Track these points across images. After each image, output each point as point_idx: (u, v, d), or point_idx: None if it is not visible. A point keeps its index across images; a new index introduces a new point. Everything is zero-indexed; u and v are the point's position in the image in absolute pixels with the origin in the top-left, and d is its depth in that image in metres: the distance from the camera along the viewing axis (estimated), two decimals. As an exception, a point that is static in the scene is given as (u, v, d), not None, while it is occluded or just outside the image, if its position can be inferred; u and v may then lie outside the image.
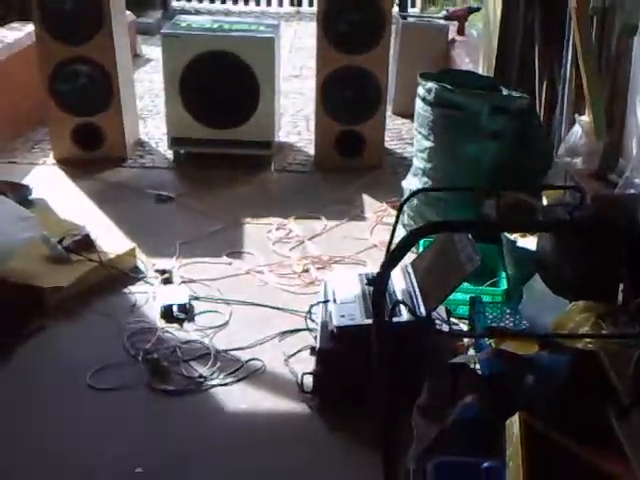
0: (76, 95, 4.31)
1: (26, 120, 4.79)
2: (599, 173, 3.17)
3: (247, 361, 2.72)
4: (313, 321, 2.90)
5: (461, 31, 5.78)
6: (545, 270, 2.65)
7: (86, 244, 3.25)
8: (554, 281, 2.60)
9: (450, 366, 2.43)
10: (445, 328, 2.70)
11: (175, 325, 2.92)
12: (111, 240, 3.42)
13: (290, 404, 2.51)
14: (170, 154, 4.53)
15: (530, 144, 3.40)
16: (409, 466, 2.12)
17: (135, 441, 2.36)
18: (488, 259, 2.90)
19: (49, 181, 4.17)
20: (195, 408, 2.50)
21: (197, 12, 8.89)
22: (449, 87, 3.38)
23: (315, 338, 2.72)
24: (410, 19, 5.85)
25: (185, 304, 3.00)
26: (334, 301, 2.69)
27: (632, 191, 2.82)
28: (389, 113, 5.04)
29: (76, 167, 4.30)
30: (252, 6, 9.47)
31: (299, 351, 2.77)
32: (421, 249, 3.10)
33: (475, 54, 4.89)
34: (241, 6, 9.45)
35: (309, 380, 2.56)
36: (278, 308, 3.06)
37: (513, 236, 3.05)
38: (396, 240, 2.46)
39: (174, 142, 4.47)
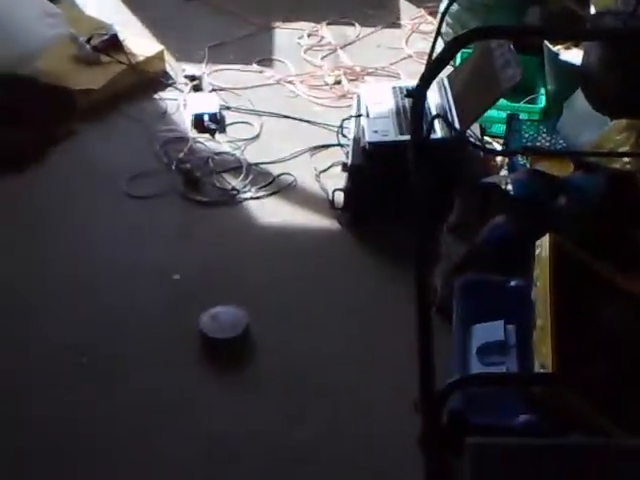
0: None
1: None
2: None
3: (278, 175, 2.75)
4: (345, 136, 2.88)
5: None
6: (589, 84, 2.54)
7: (114, 44, 3.17)
8: (597, 96, 2.50)
9: (481, 185, 2.45)
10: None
11: (206, 135, 2.92)
12: (139, 41, 3.32)
13: (321, 220, 2.58)
14: None
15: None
16: (436, 283, 2.22)
17: (172, 249, 2.46)
18: (528, 73, 2.80)
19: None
20: (229, 220, 2.57)
21: None
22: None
23: (347, 154, 2.73)
24: None
25: (216, 114, 2.98)
26: (367, 115, 2.66)
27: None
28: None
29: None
30: None
31: (330, 167, 2.79)
32: (458, 61, 3.00)
33: None
34: None
35: (340, 196, 2.60)
36: (309, 121, 3.03)
37: (556, 48, 2.92)
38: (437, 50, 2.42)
39: None
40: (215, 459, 1.93)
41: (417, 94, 1.78)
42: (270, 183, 2.72)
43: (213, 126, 2.95)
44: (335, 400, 2.05)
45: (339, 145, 2.88)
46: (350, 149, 2.66)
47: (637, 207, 2.07)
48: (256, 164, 2.80)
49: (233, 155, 2.84)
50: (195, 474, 1.91)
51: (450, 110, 2.60)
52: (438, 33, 2.50)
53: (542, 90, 2.99)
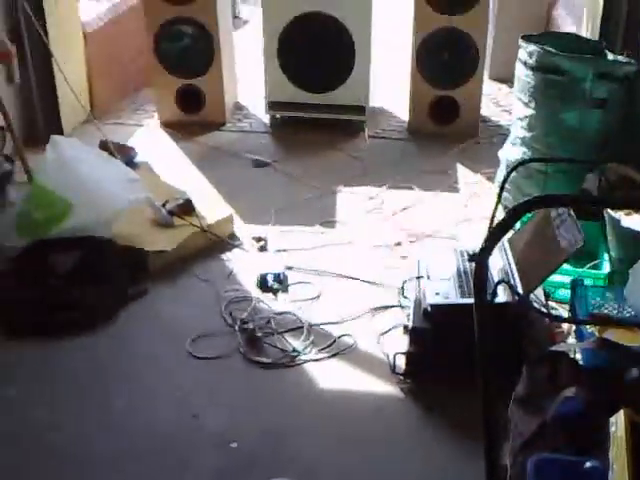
0: (179, 56, 4.23)
1: (133, 81, 4.75)
2: None
3: (339, 337, 2.62)
4: (406, 297, 2.76)
5: (562, -7, 5.37)
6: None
7: (188, 209, 3.20)
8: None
9: (549, 354, 2.26)
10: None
11: (270, 295, 2.84)
12: (210, 205, 3.35)
13: (382, 385, 2.40)
14: (267, 118, 4.42)
15: (638, 113, 3.11)
16: (505, 460, 1.99)
17: (231, 413, 2.30)
18: (589, 238, 2.67)
19: (152, 143, 4.12)
20: (288, 382, 2.42)
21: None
22: (552, 50, 3.12)
23: (408, 316, 2.59)
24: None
25: (279, 274, 2.91)
26: (428, 277, 2.54)
27: None
28: (485, 77, 4.76)
29: (178, 129, 4.24)
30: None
31: (391, 329, 2.65)
32: (518, 225, 2.89)
33: (578, 16, 4.52)
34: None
35: (401, 360, 2.43)
36: (370, 282, 2.93)
37: (617, 214, 2.80)
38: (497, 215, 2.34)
39: (271, 106, 4.35)
40: None
41: (480, 259, 1.67)
42: (331, 345, 2.59)
43: (276, 286, 2.87)
44: None
45: (400, 306, 2.76)
46: (411, 311, 2.53)
47: None
48: (317, 325, 2.68)
49: (295, 315, 2.73)
50: None
51: (512, 273, 2.47)
52: (498, 200, 2.43)
53: (605, 255, 2.84)
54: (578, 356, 2.24)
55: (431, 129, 4.25)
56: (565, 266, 2.63)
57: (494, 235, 1.63)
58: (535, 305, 2.47)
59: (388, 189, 3.67)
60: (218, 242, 3.15)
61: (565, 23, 4.75)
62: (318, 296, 2.86)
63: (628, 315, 2.47)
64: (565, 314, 2.64)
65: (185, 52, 4.22)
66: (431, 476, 2.09)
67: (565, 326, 2.52)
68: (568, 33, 4.16)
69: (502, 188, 2.44)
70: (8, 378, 2.42)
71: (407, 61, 4.30)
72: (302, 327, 2.66)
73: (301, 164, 3.90)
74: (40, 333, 2.58)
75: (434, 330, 2.40)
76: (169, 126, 4.29)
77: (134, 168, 3.56)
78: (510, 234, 2.68)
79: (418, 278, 2.63)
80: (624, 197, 2.44)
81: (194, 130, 4.22)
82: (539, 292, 2.53)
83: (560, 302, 2.72)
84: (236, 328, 2.62)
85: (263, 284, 2.88)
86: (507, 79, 4.56)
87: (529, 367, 2.20)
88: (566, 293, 2.68)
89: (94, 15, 4.45)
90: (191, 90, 4.28)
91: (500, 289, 2.39)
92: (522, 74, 3.25)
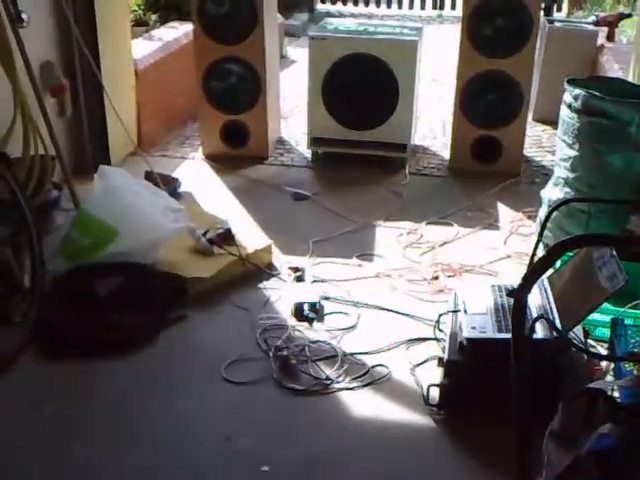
0: (226, 93, 4.34)
1: (179, 116, 4.89)
2: None
3: (373, 367, 2.62)
4: (441, 331, 2.75)
5: (611, 37, 5.40)
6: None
7: (228, 238, 3.26)
8: None
9: (586, 391, 2.23)
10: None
11: (305, 324, 2.86)
12: (250, 235, 3.41)
13: (415, 416, 2.38)
14: (308, 153, 4.49)
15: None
16: (538, 495, 1.95)
17: (262, 438, 2.31)
18: (632, 279, 2.64)
19: (196, 175, 4.22)
20: (321, 410, 2.43)
21: (341, 15, 8.84)
22: (597, 94, 3.13)
23: (443, 349, 2.58)
24: (557, 24, 5.51)
25: (315, 303, 2.94)
26: (464, 311, 2.54)
27: None
28: (529, 119, 4.77)
29: (221, 163, 4.33)
30: (394, 9, 9.32)
31: (426, 361, 2.64)
32: (559, 263, 2.87)
33: (625, 61, 4.53)
34: (384, 9, 9.33)
35: (435, 392, 2.42)
36: (406, 314, 2.94)
37: (660, 256, 2.76)
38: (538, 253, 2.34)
39: (313, 142, 4.43)
40: None
41: (519, 294, 1.68)
42: (364, 374, 2.59)
43: (312, 315, 2.89)
44: None
45: (435, 339, 2.75)
46: (446, 344, 2.52)
47: None
48: (351, 354, 2.69)
49: (329, 344, 2.74)
50: None
51: (551, 311, 2.45)
52: (540, 237, 2.43)
53: (646, 296, 2.79)
54: (616, 394, 2.20)
55: (473, 168, 4.27)
56: (605, 305, 2.60)
57: (535, 271, 1.63)
58: (574, 342, 2.45)
59: (427, 225, 3.68)
60: (256, 271, 3.19)
61: (612, 68, 4.76)
62: (353, 326, 2.87)
63: (669, 354, 2.42)
64: (604, 352, 2.60)
65: (232, 89, 4.33)
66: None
67: (604, 364, 2.49)
68: (614, 78, 4.18)
69: (544, 226, 2.45)
70: (47, 397, 2.47)
71: (451, 100, 4.34)
72: (336, 356, 2.67)
73: (340, 198, 3.95)
74: (80, 354, 2.64)
75: (469, 363, 2.39)
76: (213, 159, 4.40)
77: (177, 198, 3.65)
78: (550, 272, 2.67)
79: (454, 312, 2.63)
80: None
81: (237, 163, 4.31)
82: (578, 330, 2.50)
83: (599, 340, 2.68)
84: (270, 355, 2.65)
85: (299, 313, 2.90)
86: (551, 121, 4.56)
87: (566, 403, 2.16)
88: (605, 332, 2.65)
89: (146, 53, 4.61)
90: (236, 125, 4.38)
91: (539, 326, 2.37)
92: (567, 116, 3.27)
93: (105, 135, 4.04)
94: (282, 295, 3.05)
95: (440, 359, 2.55)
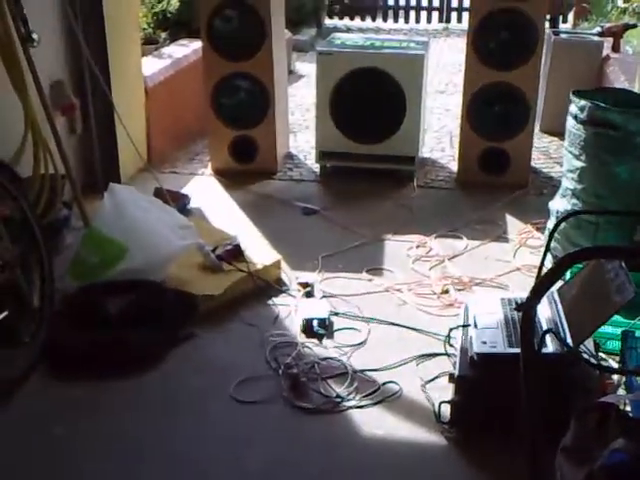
0: (235, 109, 4.32)
1: (188, 132, 4.87)
2: None
3: (384, 384, 2.56)
4: (452, 346, 2.69)
5: (616, 48, 5.35)
6: None
7: (237, 254, 3.23)
8: None
9: (598, 405, 2.18)
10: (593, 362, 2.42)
11: (314, 340, 2.81)
12: (259, 250, 3.37)
13: (426, 434, 2.33)
14: (317, 167, 4.46)
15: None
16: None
17: (273, 458, 2.27)
18: (641, 290, 2.59)
19: (205, 191, 4.19)
20: (331, 429, 2.37)
21: (349, 30, 8.84)
22: (603, 105, 3.09)
23: (454, 364, 2.53)
24: (562, 35, 5.48)
25: (325, 319, 2.89)
26: (475, 326, 2.49)
27: None
28: (536, 130, 4.72)
29: (230, 178, 4.30)
30: (402, 23, 9.31)
31: (437, 377, 2.58)
32: (568, 275, 2.83)
33: (631, 72, 4.48)
34: (391, 23, 9.32)
35: (447, 409, 2.37)
36: (416, 329, 2.88)
37: (668, 266, 2.71)
38: (545, 267, 2.30)
39: (322, 156, 4.40)
40: None
41: (527, 308, 1.64)
42: (375, 392, 2.53)
43: (321, 331, 2.84)
44: None
45: (446, 355, 2.70)
46: (457, 359, 2.46)
47: None
48: (362, 371, 2.64)
49: (339, 361, 2.69)
50: None
51: (561, 324, 2.39)
52: (547, 249, 2.38)
53: (657, 307, 2.73)
54: (628, 408, 2.15)
55: (481, 180, 4.22)
56: (616, 317, 2.54)
57: (542, 284, 1.60)
58: (585, 356, 2.39)
59: (436, 238, 3.64)
60: (265, 287, 3.15)
61: (617, 79, 4.72)
62: (363, 342, 2.82)
63: (683, 369, 2.36)
64: (615, 366, 2.54)
65: (241, 105, 4.31)
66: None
67: (615, 377, 2.43)
68: (619, 88, 4.14)
69: (551, 238, 2.41)
70: (56, 416, 2.43)
71: (458, 112, 4.31)
72: (346, 373, 2.61)
73: (349, 212, 3.91)
74: (90, 373, 2.60)
75: (480, 379, 2.34)
76: (222, 175, 4.37)
77: (187, 214, 3.62)
78: (560, 284, 2.62)
79: (465, 326, 2.58)
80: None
81: (246, 179, 4.28)
82: (589, 343, 2.45)
83: (610, 353, 2.62)
84: (280, 372, 2.60)
85: (308, 329, 2.86)
86: (558, 132, 4.51)
87: (577, 418, 2.11)
88: (616, 344, 2.59)
89: (156, 70, 4.61)
90: (245, 140, 4.36)
91: (549, 340, 2.32)
92: (573, 128, 3.23)
93: (115, 152, 4.02)
94: (291, 311, 3.00)
95: (451, 375, 2.49)
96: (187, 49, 5.08)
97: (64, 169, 3.33)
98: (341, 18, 9.36)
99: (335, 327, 2.90)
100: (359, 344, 2.80)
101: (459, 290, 3.17)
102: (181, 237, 3.10)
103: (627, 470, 1.88)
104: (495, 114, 4.16)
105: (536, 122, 4.48)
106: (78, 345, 2.65)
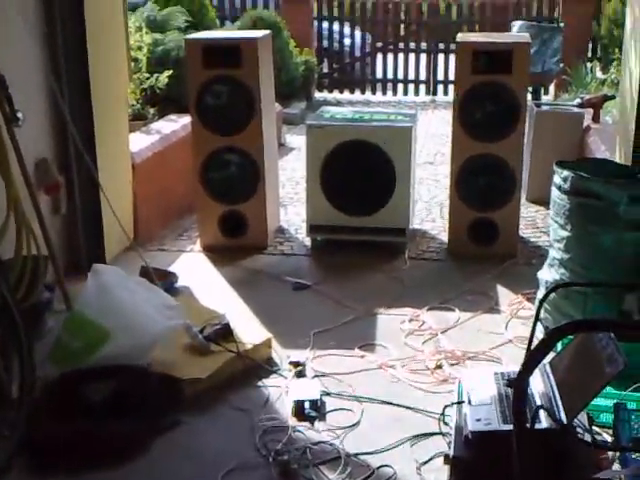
0: (225, 183, 4.30)
1: (177, 208, 4.85)
2: None
3: (378, 467, 2.47)
4: (447, 424, 2.61)
5: (596, 118, 5.45)
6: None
7: (226, 333, 3.15)
8: None
9: (593, 482, 2.11)
10: (587, 438, 2.35)
11: (306, 423, 2.72)
12: (249, 329, 3.30)
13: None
14: (308, 241, 4.44)
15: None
16: None
17: None
18: (633, 360, 2.53)
19: (194, 268, 4.13)
20: (323, 519, 2.28)
21: (338, 102, 8.98)
22: (586, 175, 3.11)
23: (449, 444, 2.44)
24: (544, 107, 5.58)
25: (317, 400, 2.80)
26: (469, 402, 2.41)
27: None
28: (523, 200, 4.73)
29: (220, 254, 4.26)
30: (390, 96, 9.48)
31: (432, 458, 2.49)
32: (560, 347, 2.77)
33: (611, 142, 4.55)
34: (379, 96, 9.48)
35: (443, 494, 2.27)
36: (410, 408, 2.80)
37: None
38: (536, 338, 2.24)
39: (312, 229, 4.38)
40: None
41: (518, 384, 1.60)
42: (369, 477, 2.43)
43: (313, 414, 2.75)
44: None
45: (441, 434, 2.61)
46: (452, 439, 2.38)
47: None
48: (355, 455, 2.54)
49: (332, 445, 2.60)
50: None
51: (554, 398, 2.34)
52: (536, 321, 2.33)
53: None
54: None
55: (471, 250, 4.20)
56: (608, 388, 2.48)
57: (532, 359, 1.57)
58: (579, 430, 2.32)
59: (428, 310, 3.59)
60: (255, 367, 3.07)
61: (598, 149, 4.79)
62: (357, 424, 2.72)
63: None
64: (609, 439, 2.47)
65: (230, 179, 4.31)
66: None
67: (610, 452, 2.35)
68: (601, 159, 4.20)
69: (539, 309, 2.35)
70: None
71: (447, 183, 4.32)
72: (339, 458, 2.52)
73: (341, 286, 3.86)
74: (71, 465, 2.49)
75: (476, 459, 2.26)
76: (211, 251, 4.32)
77: (174, 294, 3.56)
78: (552, 356, 2.56)
79: (459, 403, 2.51)
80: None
81: (236, 254, 4.23)
82: (582, 416, 2.39)
83: (604, 427, 2.56)
84: (270, 460, 2.50)
85: (300, 412, 2.76)
86: (544, 202, 4.53)
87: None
88: (609, 417, 2.53)
89: (143, 146, 4.62)
90: (234, 215, 4.33)
91: (542, 415, 2.26)
92: (557, 198, 3.25)
93: (100, 231, 3.96)
94: (282, 393, 2.91)
95: (446, 455, 2.41)
96: (176, 124, 5.12)
97: (47, 250, 3.28)
98: (330, 91, 9.51)
99: (327, 408, 2.82)
100: (352, 426, 2.71)
101: (453, 365, 3.11)
102: (167, 318, 3.03)
103: None
104: (482, 185, 4.18)
105: (522, 192, 4.51)
106: (59, 436, 2.54)
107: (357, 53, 9.66)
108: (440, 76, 9.34)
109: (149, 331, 2.91)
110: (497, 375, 2.57)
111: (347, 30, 9.69)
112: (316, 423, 2.72)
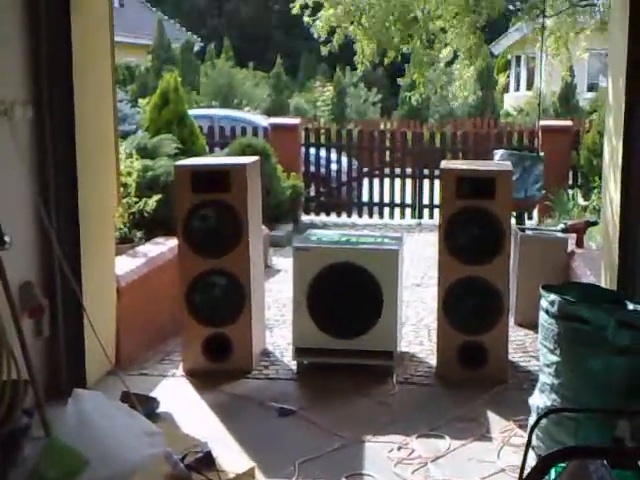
0: (210, 306, 4.31)
1: (160, 331, 4.82)
2: None
3: None
4: None
5: (580, 244, 5.61)
6: None
7: (207, 462, 3.07)
8: None
9: None
10: None
11: None
12: (231, 457, 3.21)
13: None
14: (294, 364, 4.40)
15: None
16: None
17: None
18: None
19: (176, 393, 4.07)
20: None
21: (325, 225, 9.15)
22: (572, 300, 3.16)
23: None
24: (528, 231, 5.73)
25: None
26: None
27: None
28: (511, 324, 4.76)
29: (203, 379, 4.20)
30: (376, 219, 9.69)
31: None
32: (552, 475, 2.70)
33: (596, 267, 4.65)
34: (366, 219, 9.69)
35: None
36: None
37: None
38: (528, 466, 2.18)
39: (298, 352, 4.35)
40: None
41: None
42: None
43: None
44: None
45: None
46: None
47: None
48: None
49: None
50: None
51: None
52: (527, 449, 2.30)
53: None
54: None
55: (460, 374, 4.18)
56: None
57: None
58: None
59: (418, 438, 3.52)
60: None
61: (584, 274, 4.90)
62: None
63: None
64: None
65: (216, 302, 4.32)
66: None
67: None
68: (587, 283, 4.27)
69: (531, 436, 2.33)
70: None
71: (434, 305, 4.35)
72: None
73: (327, 412, 3.79)
74: None
75: None
76: (194, 375, 4.26)
77: (155, 419, 3.49)
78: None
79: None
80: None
81: (219, 379, 4.17)
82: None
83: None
84: None
85: None
86: (533, 325, 4.56)
87: None
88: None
89: (129, 269, 4.65)
90: (219, 338, 4.31)
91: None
92: (545, 322, 3.28)
93: (82, 354, 3.92)
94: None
95: None
96: (163, 247, 5.17)
97: (28, 374, 3.22)
98: (317, 214, 9.73)
99: None
100: None
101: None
102: (148, 445, 2.96)
103: None
104: (470, 308, 4.22)
105: (510, 315, 4.54)
106: None
107: (344, 178, 9.96)
108: (425, 200, 9.60)
109: (129, 460, 2.84)
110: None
111: (334, 156, 10.03)
112: None
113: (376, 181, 9.83)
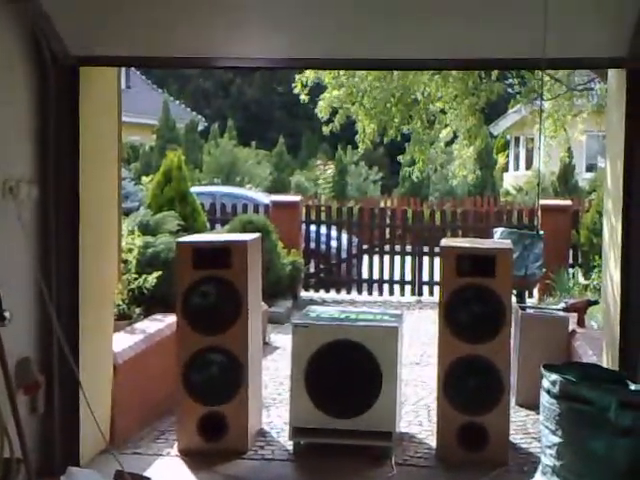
0: (207, 384, 4.28)
1: (156, 409, 4.77)
2: None
3: None
4: None
5: (581, 323, 5.61)
6: None
7: None
8: None
9: None
10: None
11: None
12: None
13: None
14: (290, 444, 4.33)
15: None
16: None
17: None
18: None
19: (170, 473, 4.00)
20: None
21: (324, 302, 9.16)
22: (574, 380, 3.15)
23: None
24: (529, 310, 5.74)
25: None
26: None
27: None
28: (512, 404, 4.71)
29: (197, 459, 4.14)
30: (376, 296, 9.70)
31: None
32: None
33: (598, 347, 4.64)
34: (365, 296, 9.70)
35: None
36: None
37: None
38: None
39: (295, 432, 4.29)
40: None
41: None
42: None
43: None
44: None
45: None
46: None
47: None
48: None
49: None
50: None
51: None
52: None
53: None
54: None
55: (460, 456, 4.12)
56: None
57: None
58: None
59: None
60: None
61: (585, 353, 4.89)
62: None
63: None
64: None
65: (212, 380, 4.29)
66: None
67: None
68: (589, 363, 4.26)
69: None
70: None
71: (434, 384, 4.32)
72: None
73: (324, 497, 3.73)
74: None
75: None
76: (189, 455, 4.20)
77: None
78: None
79: None
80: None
81: (214, 459, 4.10)
82: None
83: None
84: None
85: None
86: (534, 405, 4.52)
87: None
88: None
89: (126, 346, 4.64)
90: (214, 417, 4.26)
91: None
92: (547, 402, 3.26)
93: (76, 432, 3.88)
94: None
95: None
96: (161, 324, 5.18)
97: (21, 452, 3.19)
98: (317, 290, 9.74)
99: None
100: None
101: None
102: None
103: None
104: (471, 387, 4.19)
105: (511, 395, 4.50)
106: None
107: (343, 255, 10.03)
108: (425, 277, 9.63)
109: None
110: None
111: (334, 233, 10.13)
112: None
113: (376, 258, 9.90)
